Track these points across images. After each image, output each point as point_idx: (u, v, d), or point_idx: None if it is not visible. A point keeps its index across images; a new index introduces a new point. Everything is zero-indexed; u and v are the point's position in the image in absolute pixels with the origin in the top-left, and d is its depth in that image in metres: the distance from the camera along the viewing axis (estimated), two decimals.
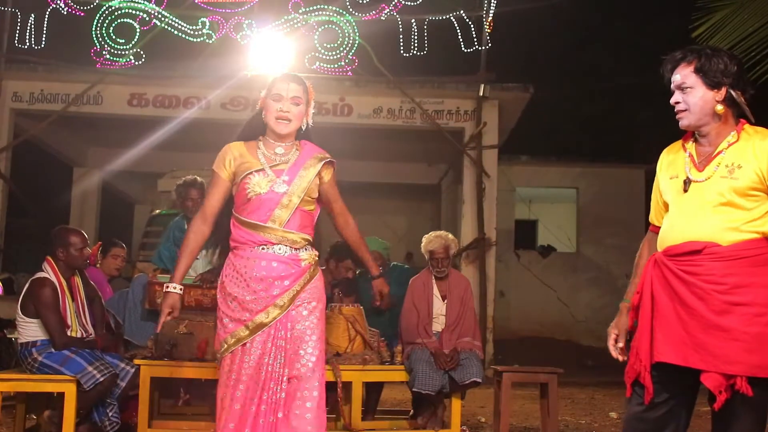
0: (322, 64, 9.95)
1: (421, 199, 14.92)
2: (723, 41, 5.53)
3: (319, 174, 3.15)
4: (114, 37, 9.87)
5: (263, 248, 3.03)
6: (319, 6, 10.09)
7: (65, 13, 9.85)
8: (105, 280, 5.80)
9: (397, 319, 5.39)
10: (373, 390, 5.68)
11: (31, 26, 9.92)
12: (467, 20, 10.07)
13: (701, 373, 2.46)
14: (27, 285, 4.65)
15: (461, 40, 10.07)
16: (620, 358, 2.72)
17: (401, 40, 10.08)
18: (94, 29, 9.85)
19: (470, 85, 10.37)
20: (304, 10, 10.05)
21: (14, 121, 10.40)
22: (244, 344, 2.98)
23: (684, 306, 2.49)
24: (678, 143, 2.75)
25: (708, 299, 2.46)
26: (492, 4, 9.98)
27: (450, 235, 5.44)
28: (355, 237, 3.38)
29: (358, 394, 5.02)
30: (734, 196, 2.51)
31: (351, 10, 9.98)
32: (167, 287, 3.13)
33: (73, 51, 10.31)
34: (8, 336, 6.44)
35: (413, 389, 4.91)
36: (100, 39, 9.85)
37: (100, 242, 5.20)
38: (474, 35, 10.08)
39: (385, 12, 9.99)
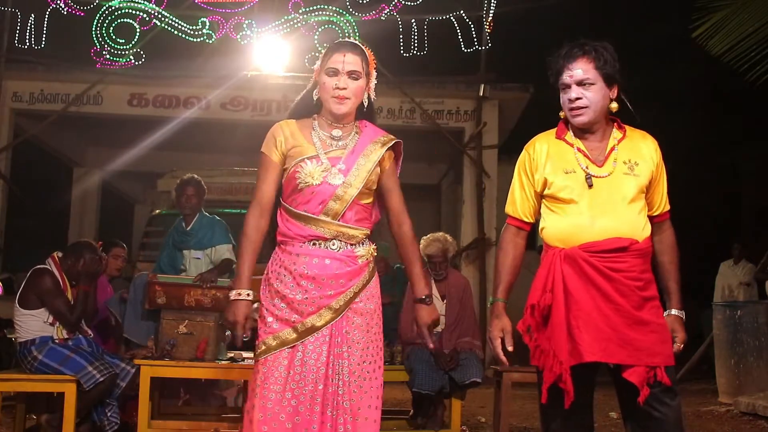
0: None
1: (421, 199, 14.88)
2: (723, 41, 5.54)
3: (380, 161, 2.75)
4: (114, 37, 9.84)
5: (315, 244, 2.65)
6: (319, 6, 10.07)
7: (65, 13, 9.82)
8: (106, 280, 5.80)
9: (397, 319, 5.40)
10: None
11: (31, 26, 9.89)
12: (467, 20, 10.05)
13: (622, 370, 2.46)
14: (27, 277, 4.67)
15: (461, 40, 10.04)
16: (507, 362, 2.70)
17: (401, 40, 10.06)
18: (94, 29, 9.82)
19: (470, 85, 10.36)
20: (304, 10, 10.04)
21: (14, 121, 10.38)
22: (293, 350, 2.59)
23: (609, 302, 2.47)
24: (549, 136, 2.69)
25: (630, 295, 2.49)
26: (492, 4, 9.96)
27: (448, 238, 5.43)
28: (405, 244, 2.81)
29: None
30: (638, 192, 2.57)
31: (351, 10, 9.97)
32: (233, 295, 2.65)
33: (73, 51, 10.29)
34: (8, 336, 6.44)
35: (413, 389, 4.92)
36: (100, 39, 9.83)
37: (100, 242, 5.19)
38: (474, 35, 10.05)
39: (385, 12, 9.97)
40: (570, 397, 2.46)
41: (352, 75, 2.68)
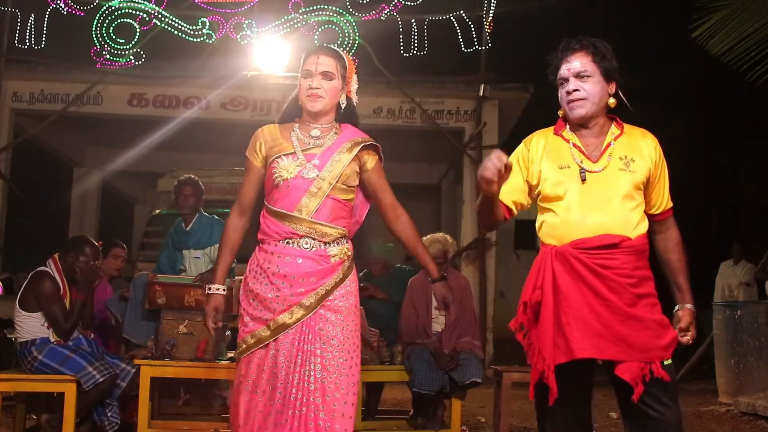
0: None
1: (421, 199, 14.89)
2: (723, 41, 5.54)
3: (358, 159, 2.84)
4: (114, 37, 9.84)
5: (288, 242, 2.74)
6: (319, 6, 10.08)
7: (65, 13, 9.83)
8: (106, 280, 5.80)
9: (397, 319, 5.40)
10: (373, 390, 5.69)
11: (31, 26, 9.89)
12: (467, 20, 10.05)
13: (615, 368, 2.45)
14: (27, 279, 4.67)
15: (461, 40, 10.04)
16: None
17: (401, 40, 10.07)
18: (94, 29, 9.82)
19: (470, 85, 10.36)
20: (304, 10, 10.04)
21: (14, 121, 10.38)
22: (266, 348, 2.70)
23: (600, 299, 2.46)
24: (547, 132, 2.70)
25: (622, 292, 2.47)
26: (492, 4, 9.97)
27: (448, 238, 5.43)
28: (408, 234, 2.93)
29: (358, 394, 5.02)
30: (633, 189, 2.55)
31: (351, 10, 9.97)
32: (209, 289, 2.86)
33: (73, 51, 10.29)
34: (8, 336, 6.44)
35: (413, 389, 4.92)
36: (100, 39, 9.83)
37: (100, 242, 5.19)
38: (474, 35, 10.05)
39: (385, 12, 9.97)
40: (554, 394, 2.45)
41: (326, 75, 2.79)
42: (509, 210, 2.69)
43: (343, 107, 2.89)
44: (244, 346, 2.74)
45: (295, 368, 2.67)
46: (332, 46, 2.95)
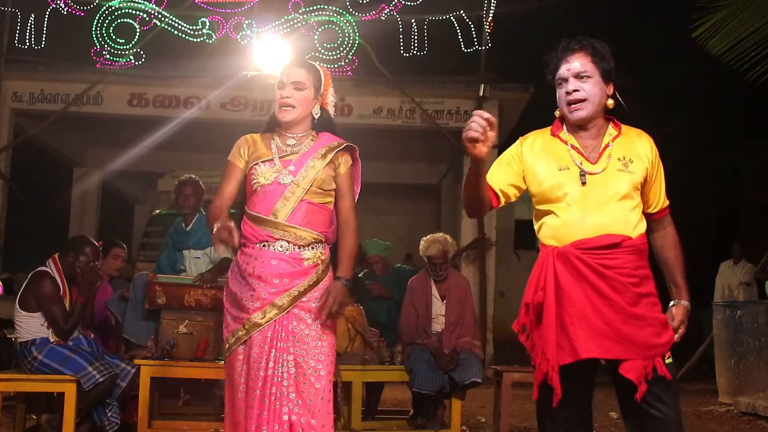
0: (322, 64, 9.89)
1: (421, 199, 14.91)
2: (723, 41, 5.54)
3: (333, 164, 2.93)
4: (114, 37, 9.85)
5: (264, 245, 2.83)
6: (319, 6, 10.08)
7: (65, 13, 9.84)
8: (105, 280, 5.80)
9: (397, 319, 5.41)
10: (373, 390, 5.69)
11: (31, 26, 9.90)
12: (467, 20, 10.05)
13: (619, 366, 2.45)
14: (27, 279, 4.67)
15: (461, 40, 10.05)
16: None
17: (401, 40, 10.07)
18: (94, 29, 9.83)
19: (470, 85, 10.35)
20: (304, 10, 10.04)
21: (14, 121, 10.38)
22: (244, 346, 2.80)
23: (602, 298, 2.46)
24: (543, 133, 2.69)
25: (624, 292, 2.48)
26: (492, 4, 9.97)
27: (448, 238, 5.44)
28: (344, 237, 2.96)
29: (358, 394, 5.03)
30: (631, 189, 2.56)
31: (351, 10, 9.97)
32: (218, 225, 2.69)
33: (73, 51, 10.29)
34: (8, 336, 6.45)
35: (413, 389, 4.92)
36: (100, 39, 9.84)
37: (100, 242, 5.19)
38: (474, 35, 10.06)
39: (385, 12, 9.97)
40: (557, 395, 2.45)
41: (297, 86, 2.90)
42: (497, 197, 2.67)
43: (317, 117, 2.98)
44: (227, 345, 2.86)
45: (268, 365, 2.76)
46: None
